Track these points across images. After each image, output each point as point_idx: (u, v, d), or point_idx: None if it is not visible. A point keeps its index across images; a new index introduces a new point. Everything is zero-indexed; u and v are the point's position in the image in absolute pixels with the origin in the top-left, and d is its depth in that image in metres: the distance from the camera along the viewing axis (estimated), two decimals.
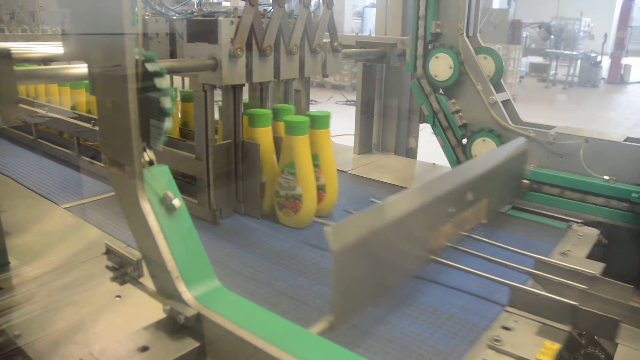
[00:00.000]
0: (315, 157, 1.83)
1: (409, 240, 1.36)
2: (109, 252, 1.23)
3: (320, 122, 1.84)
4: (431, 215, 1.43)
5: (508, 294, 1.34)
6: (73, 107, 2.60)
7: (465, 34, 2.22)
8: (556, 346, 1.13)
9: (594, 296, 1.30)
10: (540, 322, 1.24)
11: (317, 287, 1.43)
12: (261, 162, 1.84)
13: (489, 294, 1.40)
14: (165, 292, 1.11)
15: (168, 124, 1.06)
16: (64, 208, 1.94)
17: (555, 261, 1.52)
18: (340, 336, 1.11)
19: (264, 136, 1.85)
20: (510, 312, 1.30)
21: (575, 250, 1.65)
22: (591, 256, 1.62)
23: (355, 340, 1.19)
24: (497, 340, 1.15)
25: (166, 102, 1.04)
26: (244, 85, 1.81)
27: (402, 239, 1.31)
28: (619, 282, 1.39)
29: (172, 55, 2.06)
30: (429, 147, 2.87)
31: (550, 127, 2.11)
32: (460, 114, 2.27)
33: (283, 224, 1.84)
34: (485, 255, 1.60)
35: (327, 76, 2.12)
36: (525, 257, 1.60)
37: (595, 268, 1.46)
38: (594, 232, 1.81)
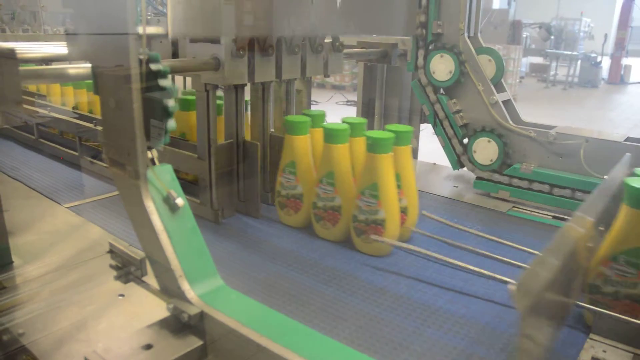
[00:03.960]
0: (397, 177, 1.65)
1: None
2: (112, 251, 1.24)
3: (402, 138, 1.66)
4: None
5: (593, 320, 1.20)
6: (75, 107, 2.60)
7: (466, 34, 2.22)
8: None
9: None
10: (632, 352, 1.12)
11: (320, 287, 1.44)
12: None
13: None
14: (169, 290, 1.12)
15: (170, 124, 1.06)
16: (67, 207, 1.95)
17: None
18: None
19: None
20: (596, 340, 1.17)
21: None
22: None
23: None
24: None
25: (169, 102, 1.05)
26: (245, 85, 1.82)
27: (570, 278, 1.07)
28: None
29: (175, 55, 2.07)
30: (431, 147, 2.87)
31: (550, 127, 2.12)
32: (461, 114, 2.27)
33: (360, 251, 1.67)
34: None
35: (328, 76, 2.12)
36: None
37: None
38: None
